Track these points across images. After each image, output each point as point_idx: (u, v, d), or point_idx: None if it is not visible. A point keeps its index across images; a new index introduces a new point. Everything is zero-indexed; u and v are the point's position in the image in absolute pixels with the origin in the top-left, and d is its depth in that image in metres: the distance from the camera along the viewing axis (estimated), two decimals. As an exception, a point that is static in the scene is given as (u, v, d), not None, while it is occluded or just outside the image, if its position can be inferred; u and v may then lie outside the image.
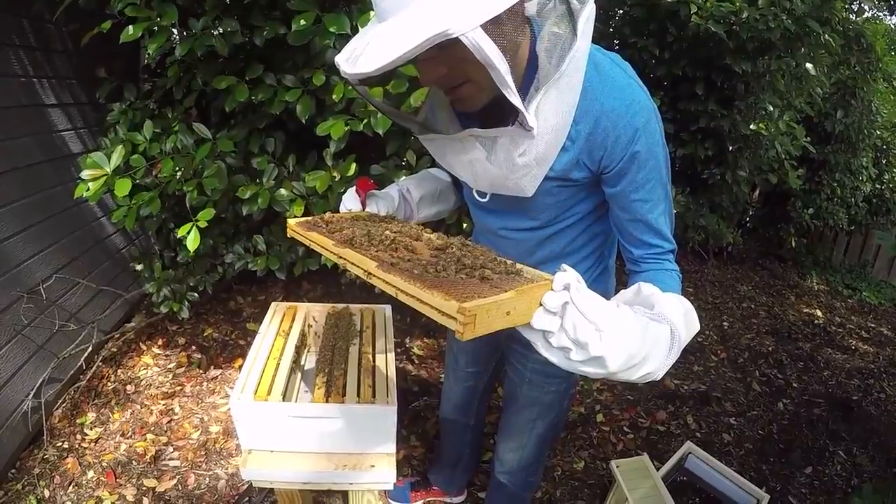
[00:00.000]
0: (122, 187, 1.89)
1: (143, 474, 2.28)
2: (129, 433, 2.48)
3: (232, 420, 2.50)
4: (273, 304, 1.74)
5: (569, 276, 0.72)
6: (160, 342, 3.07)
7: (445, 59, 0.87)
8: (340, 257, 0.93)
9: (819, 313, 4.58)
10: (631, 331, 0.75)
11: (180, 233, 1.92)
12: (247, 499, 2.21)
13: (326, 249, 0.98)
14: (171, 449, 2.42)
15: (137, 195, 2.02)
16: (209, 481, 2.27)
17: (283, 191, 1.97)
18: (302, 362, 1.72)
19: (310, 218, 1.17)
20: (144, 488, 2.22)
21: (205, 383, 2.79)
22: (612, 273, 1.35)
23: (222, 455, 2.39)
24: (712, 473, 2.09)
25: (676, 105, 3.21)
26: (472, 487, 2.29)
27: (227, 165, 2.01)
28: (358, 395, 1.42)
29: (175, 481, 2.26)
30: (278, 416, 1.38)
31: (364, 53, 0.83)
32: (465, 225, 2.24)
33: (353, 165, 1.93)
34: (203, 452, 2.40)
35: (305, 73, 1.95)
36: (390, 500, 2.21)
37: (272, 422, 1.40)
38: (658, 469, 2.04)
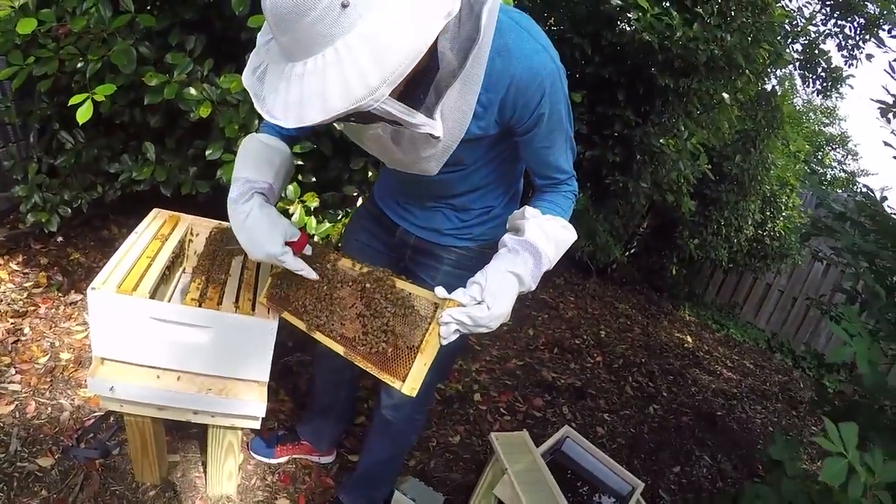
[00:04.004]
0: (26, 25, 1.68)
1: (-24, 396, 2.00)
2: (-33, 350, 2.17)
3: (86, 349, 2.27)
4: (154, 210, 1.58)
5: (448, 313, 1.03)
6: (20, 259, 2.72)
7: None
8: (314, 338, 1.24)
9: (689, 339, 4.89)
10: (509, 300, 1.08)
11: (72, 101, 1.69)
12: (91, 435, 1.98)
13: (302, 330, 1.26)
14: (13, 371, 2.14)
15: (35, 51, 1.81)
16: (51, 411, 2.03)
17: (192, 89, 1.79)
18: (175, 277, 1.56)
19: (269, 286, 1.34)
20: (-25, 412, 1.94)
21: (62, 307, 2.50)
22: (518, 196, 1.48)
23: (70, 385, 2.14)
24: (589, 458, 2.10)
25: (595, 108, 3.30)
26: (342, 449, 2.19)
27: (138, 53, 1.82)
28: (236, 306, 1.30)
29: (13, 407, 1.99)
30: (141, 316, 1.23)
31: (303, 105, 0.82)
32: (370, 174, 2.17)
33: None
34: (49, 380, 2.14)
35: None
36: (252, 454, 2.04)
37: (133, 324, 1.25)
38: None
